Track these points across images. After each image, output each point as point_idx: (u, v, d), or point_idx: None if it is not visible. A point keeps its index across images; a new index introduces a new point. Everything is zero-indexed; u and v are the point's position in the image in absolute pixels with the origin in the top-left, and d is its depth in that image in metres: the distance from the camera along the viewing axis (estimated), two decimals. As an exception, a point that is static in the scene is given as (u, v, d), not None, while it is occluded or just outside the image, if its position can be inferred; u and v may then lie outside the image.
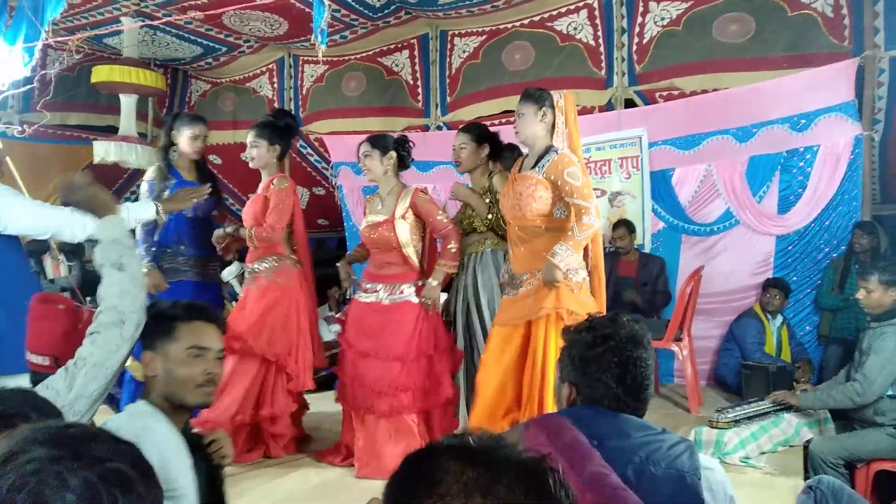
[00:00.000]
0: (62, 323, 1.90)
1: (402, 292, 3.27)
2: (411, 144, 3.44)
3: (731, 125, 4.83)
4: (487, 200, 3.46)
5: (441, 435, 3.19)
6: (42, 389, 1.56)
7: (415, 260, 3.30)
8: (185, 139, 3.49)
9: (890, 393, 3.20)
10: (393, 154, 3.30)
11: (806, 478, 3.15)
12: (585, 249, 2.86)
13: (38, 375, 1.85)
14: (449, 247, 3.27)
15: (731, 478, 2.84)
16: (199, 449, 1.62)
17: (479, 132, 3.55)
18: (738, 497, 1.33)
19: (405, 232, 3.23)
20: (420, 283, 3.30)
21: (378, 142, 3.31)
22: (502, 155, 3.61)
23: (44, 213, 2.37)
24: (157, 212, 2.64)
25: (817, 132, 4.59)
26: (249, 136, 3.48)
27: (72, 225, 2.33)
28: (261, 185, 3.53)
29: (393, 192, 3.31)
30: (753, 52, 4.84)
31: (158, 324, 1.61)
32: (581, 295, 2.77)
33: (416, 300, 3.26)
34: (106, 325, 1.58)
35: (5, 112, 5.57)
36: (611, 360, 1.38)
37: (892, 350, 3.16)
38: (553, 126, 2.87)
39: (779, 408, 3.59)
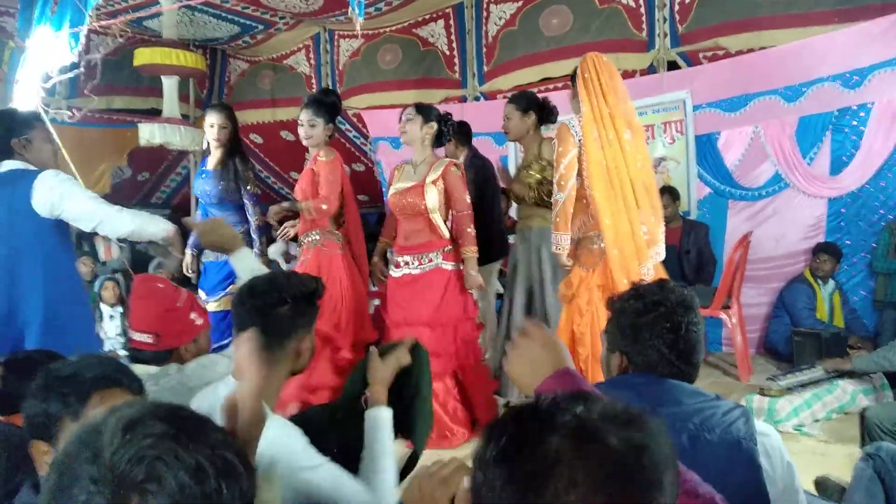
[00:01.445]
0: (163, 301, 1.98)
1: (430, 260, 3.32)
2: (453, 123, 3.49)
3: (779, 84, 4.65)
4: (537, 167, 3.51)
5: (478, 397, 3.30)
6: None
7: (442, 227, 3.32)
8: (206, 128, 3.62)
9: (951, 357, 3.09)
10: (434, 125, 3.33)
11: (862, 445, 3.08)
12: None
13: (141, 353, 1.95)
14: (469, 230, 3.29)
15: (785, 445, 2.81)
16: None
17: (525, 101, 3.62)
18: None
19: (434, 198, 3.26)
20: (447, 250, 3.32)
21: (423, 109, 3.36)
22: (552, 121, 3.61)
23: (96, 207, 2.48)
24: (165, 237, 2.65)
25: (871, 89, 4.38)
26: (305, 115, 3.47)
27: (115, 222, 2.46)
28: (308, 160, 3.58)
29: (426, 162, 3.35)
30: (802, 8, 4.63)
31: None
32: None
33: (446, 266, 3.30)
34: None
35: (53, 98, 5.71)
36: (663, 326, 1.37)
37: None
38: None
39: (832, 375, 3.51)
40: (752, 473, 1.21)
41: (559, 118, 3.70)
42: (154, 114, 6.31)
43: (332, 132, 3.55)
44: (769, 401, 3.29)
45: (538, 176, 3.53)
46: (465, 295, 3.36)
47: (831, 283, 4.57)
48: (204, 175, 3.67)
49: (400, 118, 3.37)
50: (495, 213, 4.06)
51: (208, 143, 3.71)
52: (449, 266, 3.31)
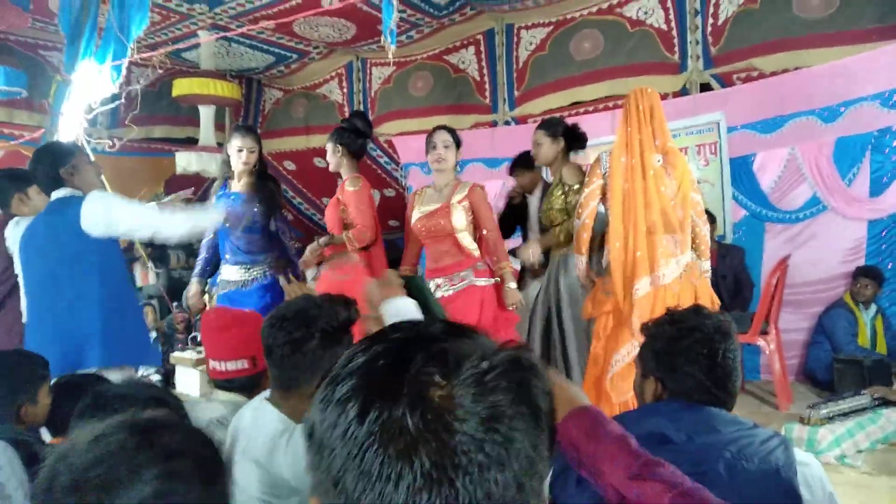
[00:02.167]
0: (249, 323, 1.99)
1: (462, 279, 3.29)
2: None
3: (816, 105, 4.58)
4: (560, 192, 3.52)
5: None
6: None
7: (471, 246, 3.31)
8: (232, 151, 3.54)
9: None
10: (458, 151, 3.38)
11: (910, 477, 2.97)
12: None
13: (231, 383, 1.96)
14: (501, 247, 3.34)
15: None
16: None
17: (554, 127, 3.65)
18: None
19: (461, 218, 3.26)
20: (479, 267, 3.30)
21: (454, 134, 3.38)
22: (581, 147, 3.62)
23: (150, 214, 2.62)
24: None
25: (912, 108, 4.29)
26: (328, 143, 3.57)
27: (171, 226, 2.56)
28: (338, 189, 3.61)
29: (449, 185, 3.36)
30: (838, 26, 4.57)
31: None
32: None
33: (479, 283, 3.28)
34: None
35: (95, 129, 5.90)
36: (699, 352, 1.35)
37: None
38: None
39: (876, 404, 3.39)
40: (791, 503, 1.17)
41: (590, 143, 3.74)
42: (191, 142, 6.48)
43: (344, 153, 3.54)
44: (809, 430, 3.18)
45: (561, 200, 3.55)
46: (503, 310, 3.33)
47: (873, 307, 4.43)
48: (233, 198, 3.59)
49: (432, 143, 3.35)
50: None
51: (228, 168, 3.61)
52: (482, 282, 3.28)
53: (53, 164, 2.64)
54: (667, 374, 1.39)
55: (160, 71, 5.13)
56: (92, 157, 2.91)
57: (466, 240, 3.30)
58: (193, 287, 3.65)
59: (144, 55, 4.29)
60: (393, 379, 0.55)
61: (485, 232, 3.33)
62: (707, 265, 3.23)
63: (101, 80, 3.70)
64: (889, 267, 4.47)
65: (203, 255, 3.73)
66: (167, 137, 7.06)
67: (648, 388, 1.43)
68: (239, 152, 3.51)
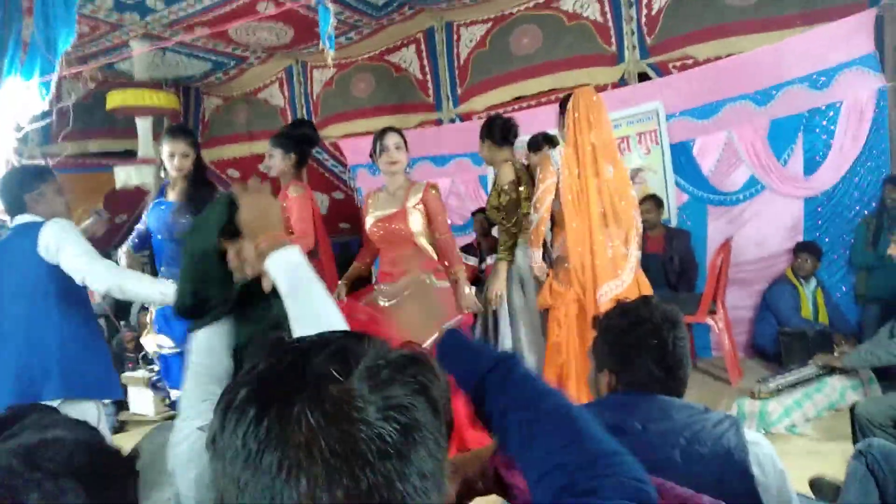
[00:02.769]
0: None
1: (423, 281, 3.23)
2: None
3: (749, 89, 4.73)
4: (495, 193, 3.64)
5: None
6: None
7: (429, 249, 3.29)
8: (164, 157, 3.25)
9: (936, 348, 3.12)
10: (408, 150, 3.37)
11: (854, 441, 3.10)
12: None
13: None
14: (456, 251, 3.36)
15: (779, 447, 2.81)
16: None
17: (483, 129, 3.71)
18: (787, 468, 1.31)
19: (418, 222, 3.23)
20: (439, 269, 3.28)
21: (402, 135, 3.34)
22: (510, 141, 3.65)
23: (83, 263, 2.48)
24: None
25: (838, 88, 4.47)
26: (273, 149, 3.49)
27: (95, 277, 2.47)
28: (279, 196, 3.54)
29: (402, 187, 3.31)
30: (766, 13, 4.72)
31: None
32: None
33: (441, 285, 3.25)
34: None
35: (27, 147, 5.67)
36: (650, 343, 1.38)
37: (935, 304, 3.09)
38: None
39: (821, 373, 3.54)
40: (745, 484, 1.21)
41: (536, 134, 3.83)
42: (129, 155, 6.29)
43: (294, 162, 3.45)
44: (760, 403, 3.30)
45: (496, 200, 3.61)
46: (459, 312, 3.30)
47: (813, 281, 4.61)
48: (163, 207, 3.29)
49: (383, 146, 3.27)
50: None
51: (164, 175, 3.32)
52: (443, 285, 3.25)
53: (20, 187, 2.58)
54: (620, 366, 1.41)
55: (92, 84, 4.96)
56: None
57: (425, 244, 3.27)
58: (124, 259, 3.33)
59: (75, 70, 4.14)
60: (291, 379, 0.56)
61: (437, 235, 3.29)
62: (639, 254, 3.40)
63: (30, 97, 3.56)
64: (826, 241, 4.66)
65: (134, 235, 3.45)
66: (104, 151, 6.84)
67: (603, 380, 1.45)
68: (171, 157, 3.21)
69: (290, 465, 0.52)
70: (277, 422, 0.53)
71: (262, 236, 1.12)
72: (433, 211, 3.26)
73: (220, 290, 1.20)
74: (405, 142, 3.31)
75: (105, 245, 8.13)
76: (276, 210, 1.17)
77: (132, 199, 7.37)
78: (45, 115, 3.71)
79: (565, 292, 3.29)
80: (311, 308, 1.10)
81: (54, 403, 2.33)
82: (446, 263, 3.30)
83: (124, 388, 5.31)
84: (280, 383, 0.57)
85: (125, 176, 5.60)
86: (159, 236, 3.29)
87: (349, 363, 0.57)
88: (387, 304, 3.31)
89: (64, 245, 2.48)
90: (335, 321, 1.08)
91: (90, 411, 2.47)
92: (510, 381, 0.93)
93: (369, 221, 3.35)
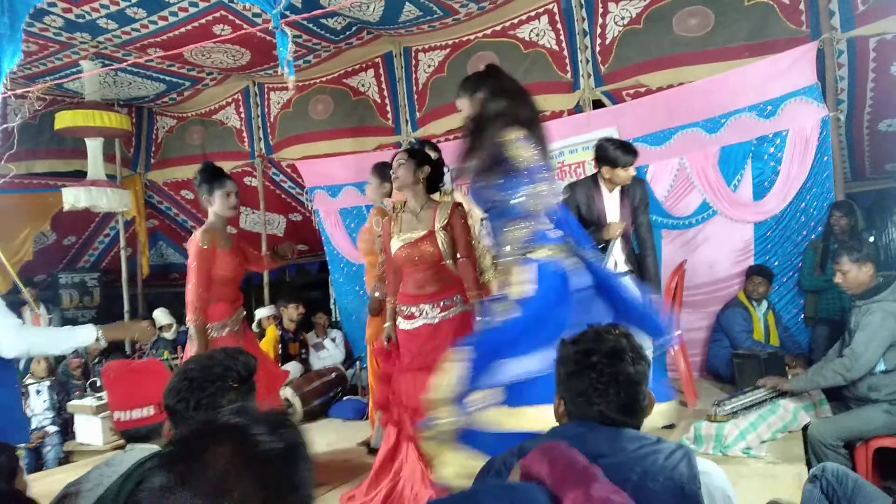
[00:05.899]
0: (155, 371, 2.01)
1: (454, 304, 3.11)
2: (447, 170, 3.48)
3: (700, 117, 4.87)
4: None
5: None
6: None
7: (454, 269, 3.13)
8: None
9: (882, 368, 3.20)
10: (427, 169, 3.18)
11: (807, 462, 3.16)
12: None
13: (137, 431, 1.93)
14: (475, 275, 3.15)
15: (735, 470, 2.83)
16: None
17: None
18: (742, 491, 1.30)
19: (447, 244, 3.09)
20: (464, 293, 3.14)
21: (415, 153, 3.21)
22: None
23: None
24: (98, 338, 2.60)
25: (784, 117, 4.63)
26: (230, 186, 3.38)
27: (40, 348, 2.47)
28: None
29: (427, 207, 3.17)
30: (715, 44, 4.88)
31: None
32: None
33: (466, 308, 3.10)
34: None
35: (-31, 167, 5.48)
36: (591, 377, 1.34)
37: (877, 325, 3.17)
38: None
39: (774, 394, 3.60)
40: (697, 517, 1.20)
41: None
42: (79, 176, 6.12)
43: (210, 202, 3.33)
44: (716, 426, 3.33)
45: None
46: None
47: (765, 303, 4.71)
48: None
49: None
50: None
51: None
52: (468, 308, 3.10)
53: None
54: (567, 395, 1.39)
55: (39, 104, 4.81)
56: None
57: (451, 266, 3.12)
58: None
59: (21, 91, 4.02)
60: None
61: (458, 256, 3.12)
62: None
63: (-29, 117, 3.44)
64: (775, 264, 4.79)
65: None
66: (52, 172, 6.64)
67: (557, 407, 1.43)
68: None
69: None
70: None
71: None
72: (458, 233, 3.11)
73: None
74: (421, 159, 3.17)
75: (54, 265, 7.91)
76: None
77: (80, 220, 7.17)
78: (-13, 135, 3.58)
79: None
80: None
81: None
82: (467, 286, 3.11)
83: (70, 418, 5.10)
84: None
85: (73, 198, 5.42)
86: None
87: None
88: (412, 326, 3.16)
89: None
90: None
91: None
92: None
93: (395, 245, 3.16)
